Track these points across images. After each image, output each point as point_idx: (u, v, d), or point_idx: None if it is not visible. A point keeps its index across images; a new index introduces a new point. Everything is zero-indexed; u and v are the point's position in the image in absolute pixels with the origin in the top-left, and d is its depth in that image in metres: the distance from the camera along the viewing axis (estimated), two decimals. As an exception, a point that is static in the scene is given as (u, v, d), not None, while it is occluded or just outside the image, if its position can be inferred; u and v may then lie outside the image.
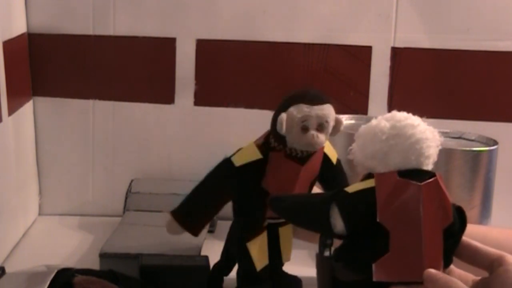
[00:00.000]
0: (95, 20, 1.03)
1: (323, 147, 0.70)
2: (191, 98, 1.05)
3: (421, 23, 1.01)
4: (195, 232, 0.72)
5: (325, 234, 0.56)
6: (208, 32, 1.03)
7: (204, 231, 0.90)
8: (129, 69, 1.05)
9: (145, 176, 1.05)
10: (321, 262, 0.57)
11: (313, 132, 0.65)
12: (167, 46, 1.03)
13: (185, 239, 0.86)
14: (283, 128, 0.65)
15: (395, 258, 0.51)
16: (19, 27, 0.99)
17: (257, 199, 0.69)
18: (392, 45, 1.02)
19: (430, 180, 0.52)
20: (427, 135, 0.53)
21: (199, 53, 1.04)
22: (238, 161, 0.69)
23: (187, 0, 1.02)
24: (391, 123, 0.53)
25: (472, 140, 0.89)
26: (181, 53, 1.03)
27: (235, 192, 0.71)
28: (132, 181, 1.03)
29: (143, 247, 0.84)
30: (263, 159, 0.68)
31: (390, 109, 1.03)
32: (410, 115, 0.54)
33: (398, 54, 1.02)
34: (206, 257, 0.78)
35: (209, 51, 1.03)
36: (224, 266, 0.79)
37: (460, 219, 0.54)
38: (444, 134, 0.90)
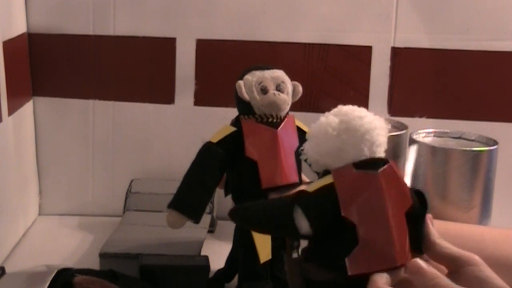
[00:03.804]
0: (95, 20, 1.03)
1: (293, 117, 0.74)
2: (191, 98, 1.05)
3: (421, 23, 1.01)
4: (197, 218, 0.72)
5: (292, 237, 0.56)
6: (208, 32, 1.03)
7: (204, 231, 0.91)
8: (129, 69, 1.05)
9: (145, 176, 1.05)
10: (291, 265, 0.56)
11: (272, 91, 0.71)
12: (167, 46, 1.03)
13: (185, 239, 0.86)
14: (243, 92, 0.71)
15: (366, 249, 0.51)
16: (19, 27, 0.99)
17: (247, 171, 0.71)
18: (392, 45, 1.02)
19: (385, 167, 0.53)
20: (376, 124, 0.53)
21: (199, 53, 1.04)
22: (215, 139, 0.73)
23: (187, 0, 1.02)
24: (339, 118, 0.53)
25: (472, 140, 0.89)
26: (181, 53, 1.03)
27: (223, 168, 0.73)
28: (132, 181, 1.03)
29: (143, 247, 0.84)
30: (237, 130, 0.72)
31: (390, 109, 1.03)
32: (356, 107, 0.54)
33: (398, 54, 1.02)
34: (206, 257, 0.78)
35: (209, 51, 1.03)
36: (226, 272, 0.79)
37: (421, 202, 0.55)
38: (444, 134, 0.91)
